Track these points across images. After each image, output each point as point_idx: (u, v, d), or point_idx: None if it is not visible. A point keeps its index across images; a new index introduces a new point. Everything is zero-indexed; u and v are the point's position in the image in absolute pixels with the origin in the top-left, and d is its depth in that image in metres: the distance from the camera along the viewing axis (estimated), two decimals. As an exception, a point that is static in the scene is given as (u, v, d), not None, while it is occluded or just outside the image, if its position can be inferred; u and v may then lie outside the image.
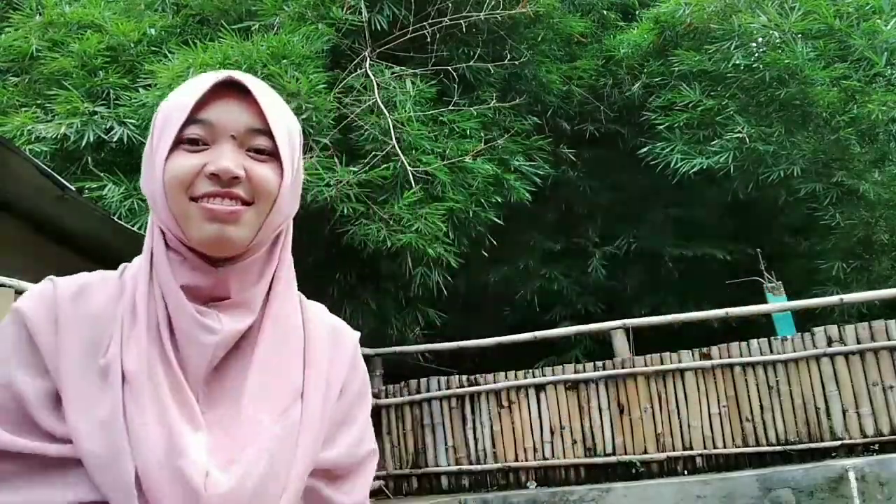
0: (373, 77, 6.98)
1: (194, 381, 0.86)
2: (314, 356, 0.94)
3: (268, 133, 0.89)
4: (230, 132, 0.88)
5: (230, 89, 0.90)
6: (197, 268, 0.89)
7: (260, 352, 0.89)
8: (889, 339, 5.90)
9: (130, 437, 0.80)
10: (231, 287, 0.89)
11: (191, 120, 0.88)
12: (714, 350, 6.25)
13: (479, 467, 6.53)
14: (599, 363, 6.54)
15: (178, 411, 0.82)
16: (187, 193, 0.87)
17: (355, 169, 6.44)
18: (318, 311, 1.02)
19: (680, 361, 6.27)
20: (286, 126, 0.92)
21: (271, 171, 0.89)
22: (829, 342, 6.02)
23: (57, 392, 0.85)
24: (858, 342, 5.97)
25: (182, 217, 0.87)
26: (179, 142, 0.88)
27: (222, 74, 0.91)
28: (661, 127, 7.88)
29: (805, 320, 7.01)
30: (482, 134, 7.30)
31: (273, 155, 0.90)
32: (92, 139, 6.35)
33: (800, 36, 7.46)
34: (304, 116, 6.24)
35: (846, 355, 5.97)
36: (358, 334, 1.07)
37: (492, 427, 6.56)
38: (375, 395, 6.80)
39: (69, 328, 0.87)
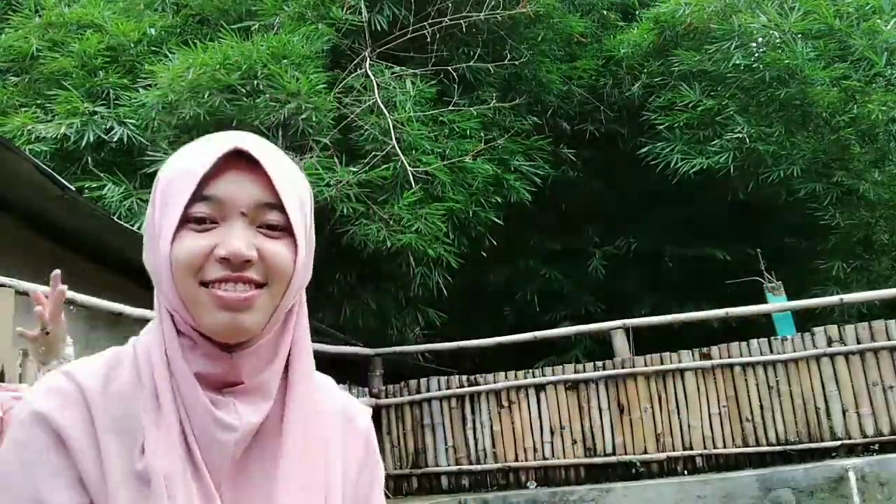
0: (373, 77, 6.98)
1: (217, 479, 0.81)
2: (331, 447, 0.89)
3: (279, 207, 0.83)
4: (240, 209, 0.82)
5: (238, 157, 0.84)
6: (209, 354, 0.83)
7: (286, 451, 0.84)
8: (889, 339, 5.90)
9: None
10: (243, 372, 0.84)
11: (197, 196, 0.82)
12: (714, 350, 6.25)
13: (479, 467, 6.53)
14: (599, 363, 6.54)
15: None
16: (196, 278, 0.81)
17: (355, 169, 6.44)
18: (328, 389, 0.95)
19: (680, 361, 6.27)
20: (298, 197, 0.86)
21: (285, 249, 0.83)
22: (829, 342, 6.02)
23: None
24: (858, 342, 5.97)
25: (192, 303, 0.82)
26: (186, 220, 0.82)
27: (229, 144, 0.84)
28: (661, 127, 7.88)
29: (805, 320, 7.00)
30: (482, 134, 7.30)
31: (286, 230, 0.84)
32: (92, 139, 6.35)
33: (800, 36, 7.46)
34: (303, 116, 6.24)
35: (846, 355, 5.97)
36: (370, 412, 1.00)
37: (492, 427, 6.56)
38: (375, 395, 6.81)
39: (107, 429, 0.80)
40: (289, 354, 0.88)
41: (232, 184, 0.82)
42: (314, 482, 0.85)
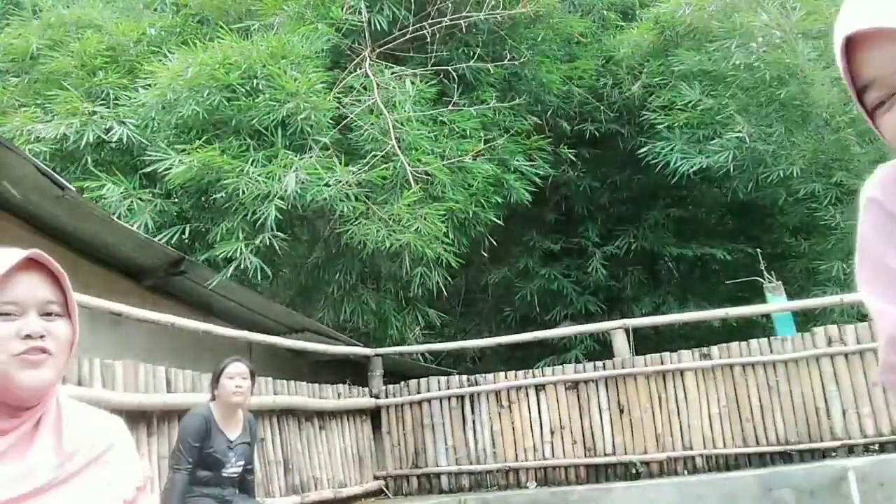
0: (373, 77, 6.98)
1: None
2: None
3: None
4: None
5: None
6: None
7: None
8: (889, 339, 5.88)
9: None
10: None
11: None
12: (714, 350, 6.24)
13: (479, 467, 6.53)
14: (599, 363, 6.52)
15: None
16: None
17: (355, 169, 6.43)
18: None
19: (680, 361, 6.26)
20: None
21: None
22: (829, 342, 6.01)
23: None
24: (858, 342, 5.95)
25: None
26: None
27: None
28: (661, 126, 7.87)
29: (805, 320, 7.00)
30: (482, 134, 7.29)
31: None
32: (91, 139, 6.34)
33: (801, 36, 7.45)
34: (303, 116, 6.24)
35: (846, 355, 5.96)
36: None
37: (492, 427, 6.55)
38: (375, 396, 6.80)
39: None
40: None
41: None
42: None
